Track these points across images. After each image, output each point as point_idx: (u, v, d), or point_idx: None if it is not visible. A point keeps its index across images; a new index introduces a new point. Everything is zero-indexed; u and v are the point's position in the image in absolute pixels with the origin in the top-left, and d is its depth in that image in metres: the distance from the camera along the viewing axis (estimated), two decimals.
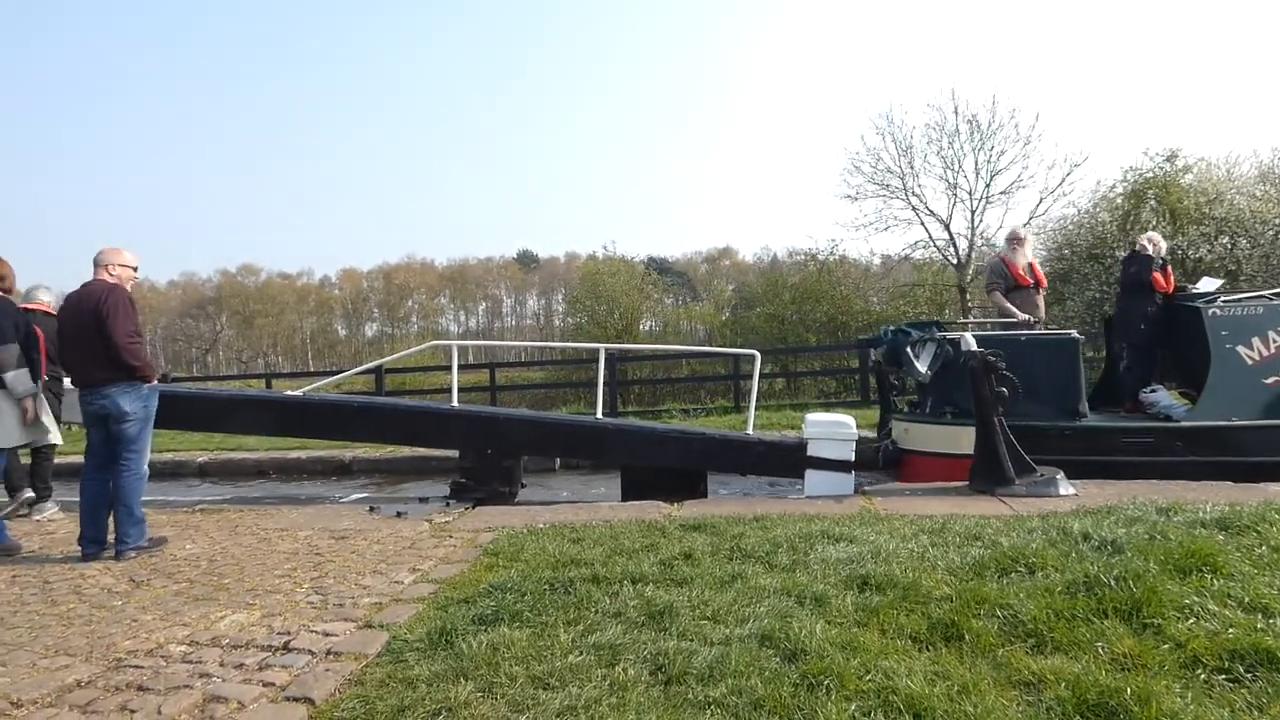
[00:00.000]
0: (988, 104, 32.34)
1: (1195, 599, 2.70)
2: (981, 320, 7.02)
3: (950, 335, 6.34)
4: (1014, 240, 7.57)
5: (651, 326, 33.49)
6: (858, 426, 6.41)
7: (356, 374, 12.81)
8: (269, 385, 17.06)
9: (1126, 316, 7.01)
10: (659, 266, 47.94)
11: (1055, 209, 21.64)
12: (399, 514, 5.58)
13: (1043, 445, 5.85)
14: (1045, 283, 7.42)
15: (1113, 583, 2.82)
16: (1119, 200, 19.48)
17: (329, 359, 66.81)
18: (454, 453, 7.00)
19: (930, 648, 2.54)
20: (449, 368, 7.53)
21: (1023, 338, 6.43)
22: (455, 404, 6.95)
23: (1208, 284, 6.99)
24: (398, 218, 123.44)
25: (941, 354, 6.20)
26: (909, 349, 6.34)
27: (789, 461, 6.21)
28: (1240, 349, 6.05)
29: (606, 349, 7.94)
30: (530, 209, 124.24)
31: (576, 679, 2.42)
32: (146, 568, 4.24)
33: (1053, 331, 6.67)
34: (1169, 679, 2.22)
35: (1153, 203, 18.54)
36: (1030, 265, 7.44)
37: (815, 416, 6.43)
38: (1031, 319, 7.00)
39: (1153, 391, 6.56)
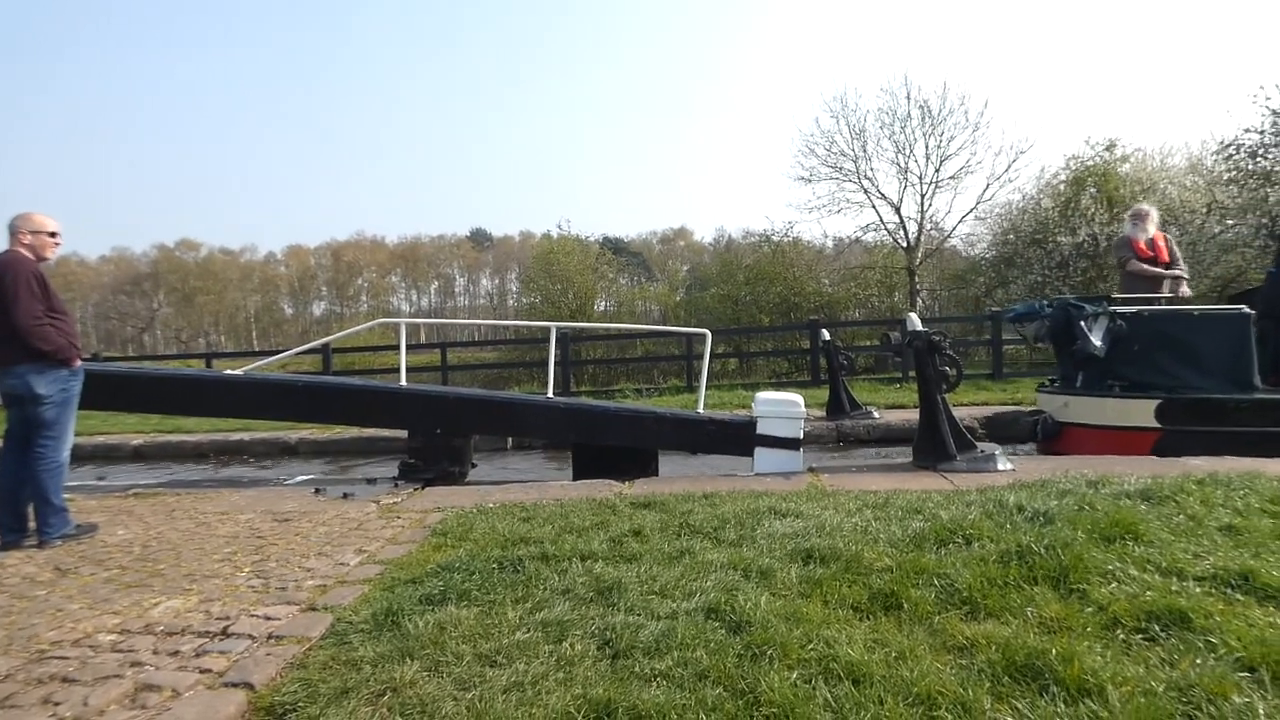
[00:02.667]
0: (939, 90, 33.03)
1: (1118, 565, 2.83)
2: (1149, 296, 7.02)
3: (903, 320, 6.39)
4: (1137, 216, 7.50)
5: (606, 306, 33.40)
6: (807, 405, 6.51)
7: (301, 353, 12.49)
8: (209, 365, 16.53)
9: None
10: (614, 246, 47.61)
11: (1001, 195, 22.23)
12: (345, 495, 5.48)
13: (1217, 417, 6.02)
14: (1166, 257, 7.29)
15: (1043, 551, 2.94)
16: (1061, 187, 20.11)
17: (274, 338, 65.14)
18: (403, 433, 6.90)
19: (870, 617, 2.61)
20: (398, 347, 7.39)
21: (1195, 313, 6.54)
22: (404, 383, 6.84)
23: None
24: (347, 194, 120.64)
25: (1114, 328, 6.30)
26: (1082, 323, 6.40)
27: (739, 440, 6.27)
28: None
29: (558, 328, 7.89)
30: (484, 187, 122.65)
31: (524, 655, 2.42)
32: (73, 555, 4.07)
33: (1224, 307, 6.71)
34: (1091, 640, 2.32)
35: (1092, 190, 19.18)
36: (1152, 241, 7.29)
37: (764, 395, 6.50)
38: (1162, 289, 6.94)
39: None
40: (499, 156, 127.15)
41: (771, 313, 21.28)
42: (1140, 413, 6.04)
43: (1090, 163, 19.58)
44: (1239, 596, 2.58)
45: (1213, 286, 16.81)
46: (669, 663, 2.30)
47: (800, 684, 2.14)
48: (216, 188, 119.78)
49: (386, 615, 2.82)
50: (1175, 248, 7.56)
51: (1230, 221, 16.85)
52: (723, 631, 2.51)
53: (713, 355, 9.39)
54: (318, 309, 75.89)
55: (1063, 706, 1.95)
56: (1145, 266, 7.12)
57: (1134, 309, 6.49)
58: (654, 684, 2.19)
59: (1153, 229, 7.35)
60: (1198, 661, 2.15)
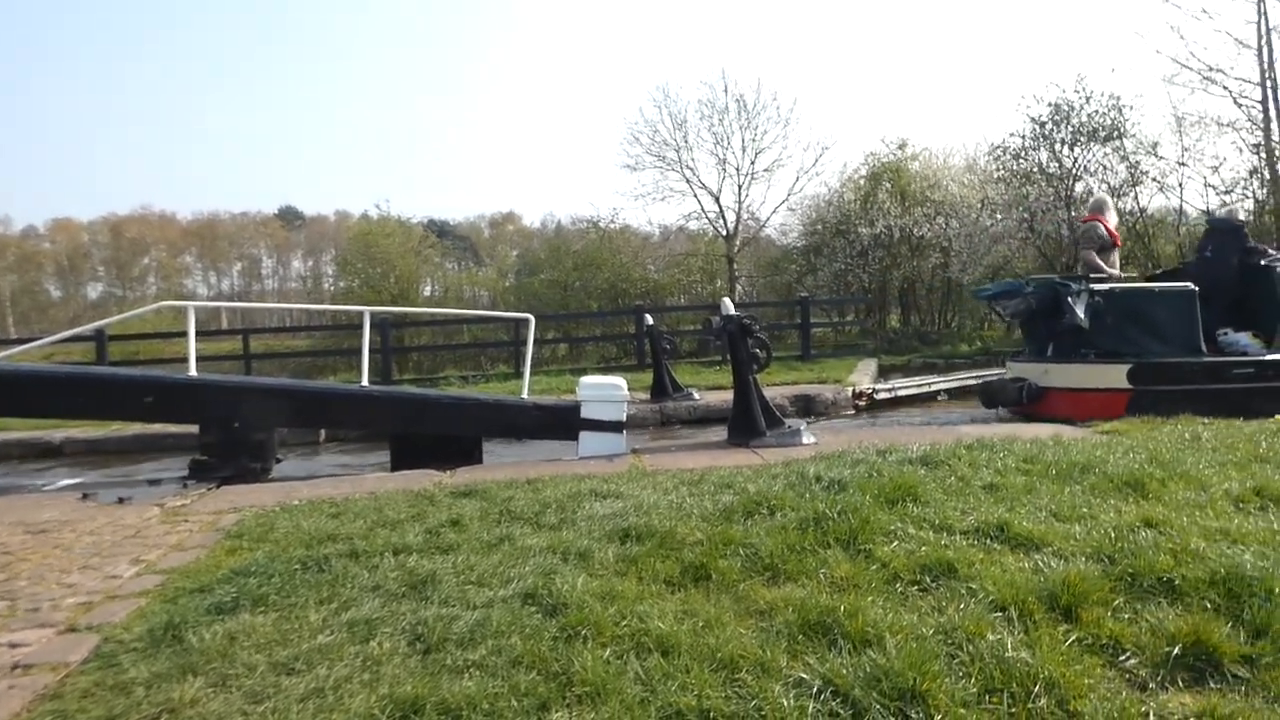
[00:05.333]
0: (754, 85, 34.80)
1: (899, 525, 3.12)
2: (1131, 275, 8.14)
3: (721, 302, 6.76)
4: (1105, 206, 8.32)
5: (433, 291, 32.20)
6: (632, 389, 6.65)
7: (66, 339, 10.95)
8: None
9: (1226, 272, 7.67)
10: (439, 229, 45.98)
11: (810, 187, 23.84)
12: (121, 500, 4.88)
13: (1176, 378, 6.88)
14: (1120, 243, 8.31)
15: (836, 516, 3.18)
16: (861, 181, 21.95)
17: (38, 324, 56.31)
18: (194, 428, 6.24)
19: (681, 589, 2.70)
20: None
21: (1155, 289, 7.51)
22: (193, 373, 6.18)
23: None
24: (128, 162, 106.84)
25: (1093, 304, 6.97)
26: (1069, 299, 6.99)
27: (564, 424, 6.28)
28: None
29: (373, 312, 7.48)
30: (294, 162, 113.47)
31: (326, 660, 2.28)
32: None
33: (1173, 284, 7.54)
34: (875, 594, 2.55)
35: (887, 185, 21.10)
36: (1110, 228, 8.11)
37: (589, 380, 6.56)
38: (1121, 275, 7.82)
39: (1225, 334, 7.50)
40: (313, 131, 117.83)
41: (600, 299, 21.48)
42: (1114, 376, 6.97)
43: (885, 159, 21.54)
44: (996, 546, 2.93)
45: (985, 274, 19.17)
46: (483, 652, 2.26)
47: (613, 660, 2.18)
48: None
49: (166, 630, 2.55)
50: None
51: (999, 216, 19.29)
52: (539, 616, 2.50)
53: (542, 341, 9.35)
54: (94, 291, 66.55)
55: (848, 658, 2.13)
56: (1098, 262, 7.86)
57: (1107, 286, 7.35)
58: (466, 675, 2.14)
59: (1113, 217, 8.39)
60: (961, 606, 2.42)
